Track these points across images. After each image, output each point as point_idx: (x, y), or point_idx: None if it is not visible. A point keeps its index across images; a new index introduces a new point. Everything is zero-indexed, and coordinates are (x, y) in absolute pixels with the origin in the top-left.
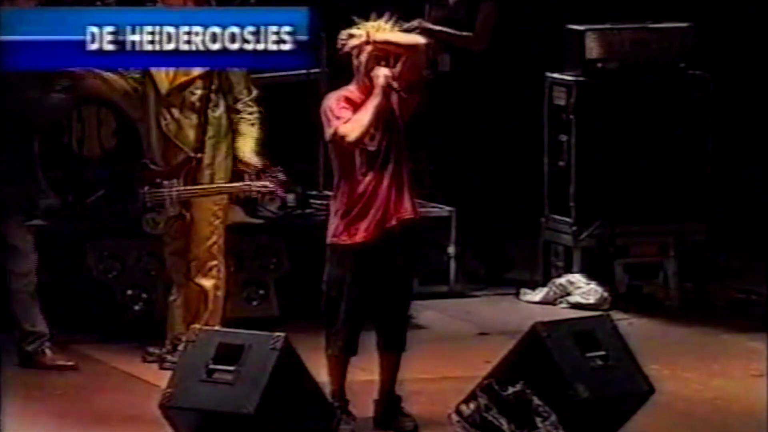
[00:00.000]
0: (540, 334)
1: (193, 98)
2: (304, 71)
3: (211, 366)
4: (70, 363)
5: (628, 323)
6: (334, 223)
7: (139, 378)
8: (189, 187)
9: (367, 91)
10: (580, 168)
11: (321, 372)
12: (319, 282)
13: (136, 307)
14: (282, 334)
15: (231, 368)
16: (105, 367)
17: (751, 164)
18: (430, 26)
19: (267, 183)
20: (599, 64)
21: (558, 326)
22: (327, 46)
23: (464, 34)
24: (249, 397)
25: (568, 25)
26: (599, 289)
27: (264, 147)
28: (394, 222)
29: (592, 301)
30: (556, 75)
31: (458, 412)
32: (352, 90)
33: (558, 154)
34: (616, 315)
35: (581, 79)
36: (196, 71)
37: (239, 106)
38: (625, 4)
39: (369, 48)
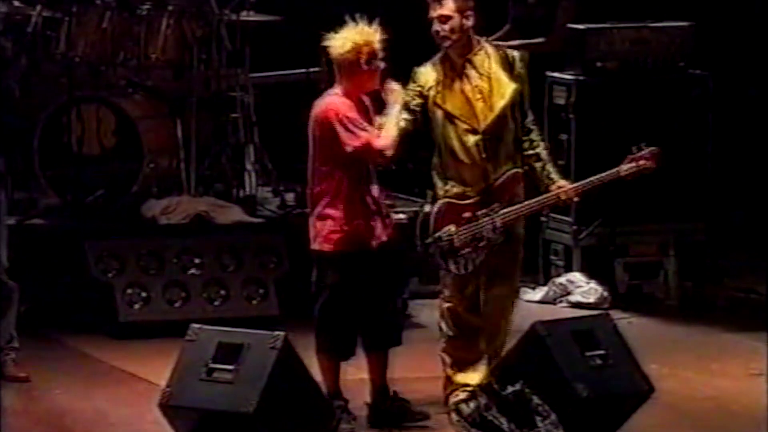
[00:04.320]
0: (540, 333)
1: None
2: (304, 71)
3: (211, 365)
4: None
5: (627, 322)
6: (338, 230)
7: (139, 377)
8: (513, 208)
9: (355, 98)
10: (580, 167)
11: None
12: None
13: (135, 307)
14: (281, 333)
15: (230, 367)
16: (105, 367)
17: (751, 164)
18: (504, 44)
19: (633, 165)
20: (599, 64)
21: (558, 325)
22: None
23: (537, 41)
24: (248, 397)
25: (569, 24)
26: (599, 288)
27: (264, 147)
28: (391, 228)
29: (591, 300)
30: (556, 74)
31: (458, 411)
32: (343, 97)
33: (558, 153)
34: (615, 314)
35: (581, 78)
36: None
37: (529, 124)
38: (625, 4)
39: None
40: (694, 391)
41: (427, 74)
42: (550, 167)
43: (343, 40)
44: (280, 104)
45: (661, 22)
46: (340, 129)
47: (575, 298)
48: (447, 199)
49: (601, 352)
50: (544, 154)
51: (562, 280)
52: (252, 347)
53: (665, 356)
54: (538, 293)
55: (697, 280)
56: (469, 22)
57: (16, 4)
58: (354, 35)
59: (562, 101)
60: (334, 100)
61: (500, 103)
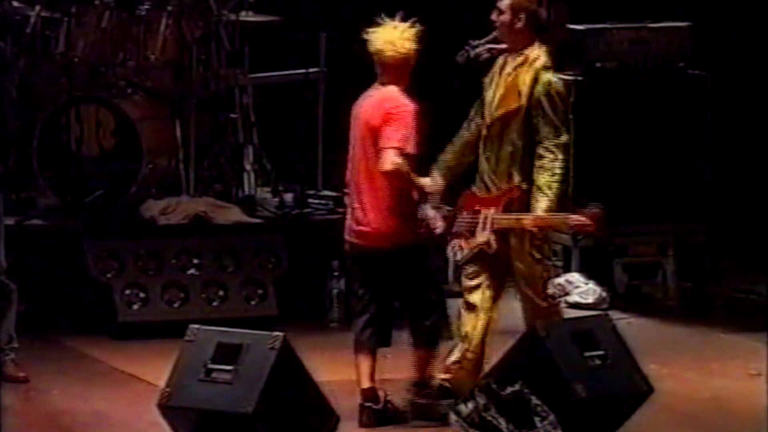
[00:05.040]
0: (539, 333)
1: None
2: (303, 71)
3: (210, 365)
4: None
5: (626, 323)
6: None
7: (138, 378)
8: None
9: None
10: (579, 167)
11: (320, 372)
12: (317, 281)
13: (134, 307)
14: (280, 333)
15: (229, 368)
16: (104, 367)
17: (750, 164)
18: (493, 46)
19: (582, 218)
20: (598, 64)
21: (557, 326)
22: (326, 46)
23: None
24: (247, 397)
25: (568, 24)
26: (598, 289)
27: (263, 147)
28: None
29: (590, 300)
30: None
31: (457, 411)
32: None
33: None
34: (614, 314)
35: (580, 78)
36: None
37: (540, 150)
38: (625, 4)
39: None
40: (693, 391)
41: (497, 62)
42: (539, 196)
43: (400, 41)
44: (280, 104)
45: (661, 23)
46: (400, 128)
47: (574, 298)
48: (470, 188)
49: (600, 352)
50: (542, 181)
51: (560, 280)
52: (251, 348)
53: (664, 356)
54: None
55: (697, 281)
56: (519, 24)
57: (15, 4)
58: (401, 33)
59: None
60: (404, 99)
61: (498, 112)
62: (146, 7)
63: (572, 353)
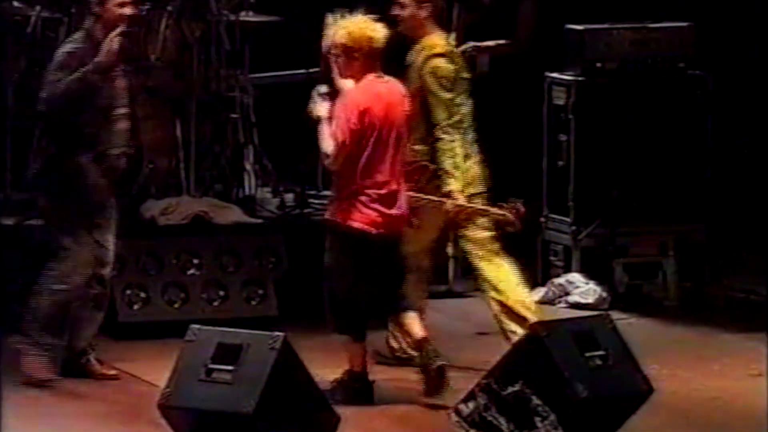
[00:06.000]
0: (539, 333)
1: None
2: (303, 71)
3: (210, 366)
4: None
5: (627, 323)
6: None
7: (139, 378)
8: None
9: None
10: (579, 168)
11: (320, 372)
12: (318, 281)
13: (135, 307)
14: (281, 333)
15: (230, 368)
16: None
17: (750, 165)
18: (476, 44)
19: (507, 213)
20: (599, 64)
21: (557, 326)
22: None
23: (504, 42)
24: (248, 397)
25: (568, 24)
26: (598, 289)
27: (264, 147)
28: None
29: (591, 300)
30: (555, 75)
31: (457, 411)
32: None
33: (557, 154)
34: (615, 315)
35: (581, 78)
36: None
37: (438, 132)
38: (625, 4)
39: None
40: (694, 391)
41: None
42: (448, 180)
43: (382, 31)
44: (280, 104)
45: (661, 23)
46: None
47: (574, 298)
48: None
49: (601, 352)
50: (447, 164)
51: (561, 280)
52: (251, 348)
53: (665, 357)
54: (537, 294)
55: (697, 281)
56: (423, 14)
57: (16, 4)
58: (374, 24)
59: (561, 102)
60: None
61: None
62: (146, 7)
63: (573, 353)
